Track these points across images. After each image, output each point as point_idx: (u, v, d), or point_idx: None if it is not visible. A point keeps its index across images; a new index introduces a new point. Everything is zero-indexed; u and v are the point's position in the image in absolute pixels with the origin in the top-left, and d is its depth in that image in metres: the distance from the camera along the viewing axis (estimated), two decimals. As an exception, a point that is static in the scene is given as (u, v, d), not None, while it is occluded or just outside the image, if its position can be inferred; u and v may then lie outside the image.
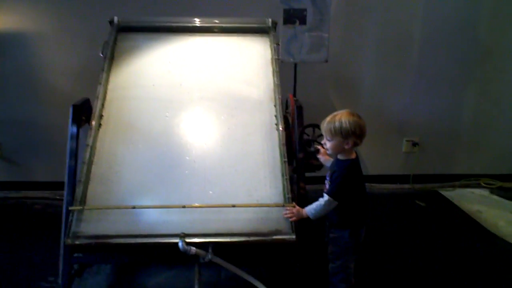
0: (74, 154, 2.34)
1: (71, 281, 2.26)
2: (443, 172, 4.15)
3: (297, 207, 2.15)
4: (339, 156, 2.08)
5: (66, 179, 2.29)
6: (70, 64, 3.59)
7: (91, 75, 3.38)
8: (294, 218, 2.11)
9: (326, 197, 2.02)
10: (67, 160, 2.33)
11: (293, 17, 3.09)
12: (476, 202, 3.75)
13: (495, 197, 3.89)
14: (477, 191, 4.01)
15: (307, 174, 2.51)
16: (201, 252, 2.00)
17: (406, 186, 4.06)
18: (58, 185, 3.52)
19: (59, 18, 3.49)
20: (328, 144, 2.05)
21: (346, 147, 2.00)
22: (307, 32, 3.12)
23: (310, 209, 2.08)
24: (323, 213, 2.07)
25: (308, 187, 2.48)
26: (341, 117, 1.97)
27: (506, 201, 3.78)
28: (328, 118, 2.03)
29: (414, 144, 4.02)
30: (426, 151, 4.05)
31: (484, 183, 4.10)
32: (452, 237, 3.10)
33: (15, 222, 3.26)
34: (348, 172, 2.02)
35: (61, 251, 2.23)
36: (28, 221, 3.28)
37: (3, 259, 2.73)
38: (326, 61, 3.18)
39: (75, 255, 2.22)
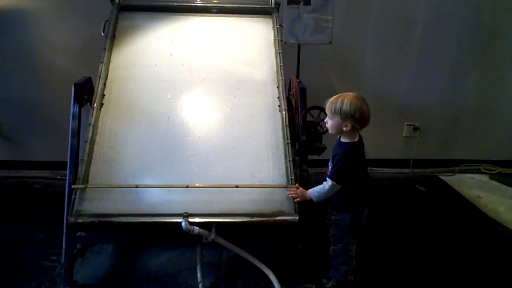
0: (77, 134, 2.33)
1: (74, 260, 2.25)
2: (443, 157, 4.16)
3: (301, 189, 2.16)
4: (342, 139, 2.10)
5: (68, 158, 2.28)
6: (70, 42, 3.55)
7: (91, 54, 3.36)
8: (298, 199, 2.13)
9: (329, 181, 2.05)
10: (69, 140, 2.32)
11: (298, -3, 3.05)
12: (476, 187, 3.76)
13: (494, 182, 3.90)
14: (477, 176, 4.02)
15: (310, 157, 2.51)
16: (204, 231, 2.01)
17: (406, 170, 4.07)
18: (58, 165, 3.56)
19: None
20: (328, 123, 2.08)
21: (344, 129, 2.01)
22: (311, 14, 3.08)
23: (314, 192, 2.11)
24: (326, 197, 2.10)
25: (310, 170, 2.48)
26: (344, 98, 1.98)
27: (506, 187, 3.80)
28: (333, 97, 2.04)
29: (415, 129, 4.01)
30: (426, 135, 4.05)
31: (484, 169, 4.11)
32: (452, 222, 3.12)
33: (15, 201, 3.26)
34: (349, 155, 2.03)
35: (64, 230, 2.23)
36: (28, 201, 3.27)
37: (4, 238, 2.73)
38: (330, 42, 3.15)
39: (78, 234, 2.23)
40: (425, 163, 4.11)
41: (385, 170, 4.04)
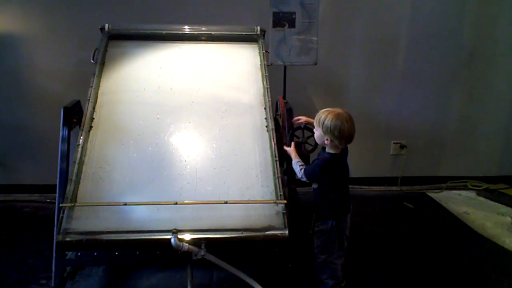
0: (66, 156, 2.35)
1: (64, 283, 2.26)
2: (430, 174, 4.21)
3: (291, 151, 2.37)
4: (326, 148, 2.22)
5: (58, 181, 2.28)
6: (59, 67, 3.58)
7: (80, 78, 3.43)
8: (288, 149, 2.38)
9: (302, 173, 2.24)
10: (59, 162, 2.33)
11: (283, 20, 3.12)
12: (463, 203, 3.81)
13: (481, 198, 3.95)
14: (464, 193, 4.07)
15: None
16: (193, 248, 1.99)
17: (394, 188, 4.11)
18: (48, 188, 3.55)
19: (49, 20, 3.48)
20: (315, 132, 2.23)
21: (326, 142, 2.14)
22: (296, 35, 3.15)
23: (295, 164, 2.30)
24: (295, 171, 2.29)
25: (299, 189, 2.51)
26: (328, 114, 2.12)
27: (493, 203, 3.85)
28: (322, 110, 2.17)
29: (402, 147, 4.07)
30: (413, 153, 4.10)
31: (471, 185, 4.16)
32: (440, 238, 3.14)
33: (5, 225, 3.24)
34: (325, 164, 2.18)
35: (54, 253, 2.22)
36: (18, 224, 3.26)
37: (-7, 262, 2.71)
38: (315, 63, 3.21)
39: (68, 256, 2.22)
40: (413, 181, 4.16)
41: (373, 188, 4.07)
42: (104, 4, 3.49)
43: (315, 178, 2.23)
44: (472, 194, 4.05)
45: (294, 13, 3.10)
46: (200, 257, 2.02)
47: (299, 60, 3.19)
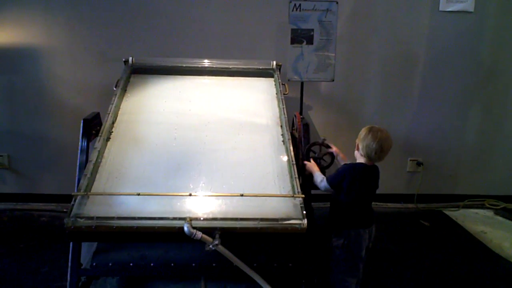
0: (84, 167, 2.36)
1: (78, 293, 2.27)
2: (447, 192, 4.17)
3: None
4: (357, 159, 2.35)
5: (76, 192, 2.31)
6: (80, 79, 3.64)
7: (100, 91, 3.49)
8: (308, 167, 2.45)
9: (324, 179, 2.35)
10: (77, 173, 2.37)
11: (301, 37, 3.16)
12: (480, 222, 3.76)
13: (499, 218, 3.90)
14: (481, 211, 4.02)
15: (313, 192, 2.54)
16: (207, 238, 1.93)
17: (411, 205, 4.08)
18: (65, 198, 3.57)
19: (70, 33, 3.55)
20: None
21: (356, 152, 2.32)
22: (314, 52, 3.18)
23: (316, 176, 2.40)
24: (317, 184, 2.40)
25: (314, 204, 2.51)
26: (366, 129, 2.28)
27: (510, 222, 3.79)
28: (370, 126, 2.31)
29: (419, 164, 4.04)
30: (430, 170, 4.07)
31: (489, 204, 4.11)
32: (457, 257, 3.11)
33: (21, 233, 3.27)
34: (349, 168, 2.29)
35: (69, 263, 2.25)
36: (34, 233, 3.29)
37: (10, 270, 2.74)
38: (333, 80, 3.23)
39: (83, 266, 2.24)
40: (429, 198, 4.12)
41: (389, 205, 4.05)
42: (125, 19, 3.55)
43: (337, 181, 2.28)
44: (489, 213, 3.99)
45: (312, 30, 3.14)
46: (213, 248, 1.93)
47: (316, 77, 3.22)
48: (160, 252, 2.41)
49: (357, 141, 2.29)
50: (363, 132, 2.27)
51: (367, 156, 2.24)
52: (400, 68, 3.82)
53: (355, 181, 2.25)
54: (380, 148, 2.20)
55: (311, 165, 2.45)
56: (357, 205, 2.28)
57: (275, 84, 3.01)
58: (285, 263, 2.38)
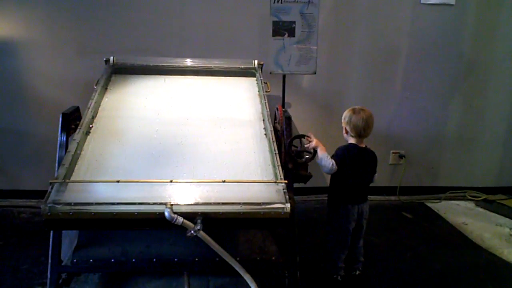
0: (64, 162, 2.34)
1: (59, 290, 2.24)
2: (429, 184, 4.21)
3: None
4: (348, 140, 2.57)
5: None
6: (59, 72, 3.58)
7: (81, 85, 3.44)
8: (313, 144, 2.49)
9: (332, 160, 2.46)
10: (56, 168, 2.33)
11: (282, 29, 3.14)
12: (461, 214, 3.81)
13: (480, 209, 3.95)
14: (463, 203, 4.07)
15: (296, 185, 2.54)
16: (188, 223, 1.90)
17: (393, 198, 4.11)
18: (45, 194, 3.53)
19: (49, 25, 3.49)
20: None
21: (344, 133, 2.56)
22: (296, 44, 3.16)
23: (322, 154, 2.47)
24: (321, 164, 2.47)
25: (297, 197, 2.51)
26: (350, 111, 2.51)
27: (491, 213, 3.84)
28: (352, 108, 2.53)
29: (401, 156, 4.07)
30: (412, 163, 4.10)
31: (470, 196, 4.16)
32: (438, 248, 3.14)
33: (1, 230, 3.22)
34: (341, 150, 2.51)
35: (49, 260, 2.22)
36: (14, 230, 3.24)
37: (-12, 268, 2.70)
38: (315, 73, 3.22)
39: (63, 263, 2.21)
40: (412, 190, 4.15)
41: (372, 197, 4.05)
42: (105, 12, 3.50)
43: (341, 162, 2.46)
44: (470, 204, 4.05)
45: (294, 22, 3.12)
46: (195, 234, 1.89)
47: (298, 69, 3.20)
48: (141, 248, 2.40)
49: (343, 124, 2.53)
50: (347, 114, 2.50)
51: (357, 135, 2.48)
52: (382, 60, 3.84)
53: (345, 159, 2.46)
54: (367, 125, 2.45)
55: (322, 148, 2.49)
56: (348, 181, 2.50)
57: (257, 83, 3.01)
58: (269, 256, 2.39)
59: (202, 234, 1.92)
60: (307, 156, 2.53)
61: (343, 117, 2.53)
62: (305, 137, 2.55)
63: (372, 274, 2.76)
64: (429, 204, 4.00)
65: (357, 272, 2.65)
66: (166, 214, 1.87)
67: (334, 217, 2.56)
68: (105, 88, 2.81)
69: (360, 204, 2.54)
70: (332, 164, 2.42)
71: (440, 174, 4.21)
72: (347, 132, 2.53)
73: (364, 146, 2.54)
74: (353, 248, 2.62)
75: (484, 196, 4.11)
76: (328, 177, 2.61)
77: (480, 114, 4.06)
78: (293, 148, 2.54)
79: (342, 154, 2.48)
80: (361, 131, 2.46)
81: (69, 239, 2.43)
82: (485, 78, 3.96)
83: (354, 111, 2.49)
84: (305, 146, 2.54)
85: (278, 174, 2.18)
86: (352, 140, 2.52)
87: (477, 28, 3.83)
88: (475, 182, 4.24)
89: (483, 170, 4.23)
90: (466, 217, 3.73)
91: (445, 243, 3.24)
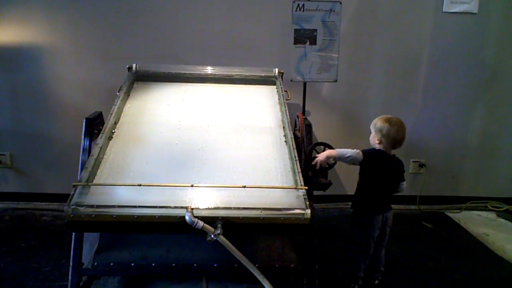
0: (86, 167, 2.37)
1: (79, 292, 2.26)
2: (450, 194, 4.16)
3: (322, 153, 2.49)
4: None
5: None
6: (83, 78, 3.64)
7: (104, 90, 3.49)
8: (321, 158, 2.44)
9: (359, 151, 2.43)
10: (79, 172, 2.35)
11: (304, 37, 3.15)
12: (482, 224, 3.75)
13: (502, 220, 3.89)
14: (484, 213, 4.01)
15: (315, 193, 2.53)
16: (209, 227, 1.91)
17: (413, 207, 4.06)
18: (68, 198, 3.57)
19: (73, 32, 3.56)
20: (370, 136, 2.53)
21: (376, 141, 2.46)
22: (317, 52, 3.17)
23: (341, 150, 2.44)
24: (347, 155, 2.41)
25: (316, 205, 2.51)
26: (381, 117, 2.46)
27: (513, 224, 3.78)
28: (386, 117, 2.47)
29: (421, 165, 4.03)
30: (432, 172, 4.06)
31: (491, 206, 4.10)
32: (459, 259, 3.09)
33: (23, 233, 3.28)
34: (371, 152, 2.45)
35: (70, 262, 2.25)
36: (36, 232, 3.29)
37: (11, 270, 2.74)
38: (336, 80, 3.22)
39: (84, 266, 2.24)
40: (432, 200, 4.11)
41: (392, 206, 4.02)
42: (128, 20, 3.56)
43: (369, 152, 2.44)
44: (492, 215, 3.98)
45: (316, 30, 3.13)
46: (215, 238, 1.91)
47: (319, 77, 3.21)
48: (161, 252, 2.41)
49: (377, 134, 2.44)
50: (383, 125, 2.41)
51: (392, 147, 2.45)
52: (403, 69, 3.82)
53: (373, 159, 2.42)
54: (403, 138, 2.45)
55: (331, 151, 2.46)
56: (374, 189, 2.48)
57: (277, 91, 3.02)
58: (288, 264, 2.39)
59: (222, 238, 1.93)
60: (327, 165, 2.51)
61: (377, 127, 2.44)
62: (325, 147, 2.53)
63: (391, 283, 2.73)
64: (449, 214, 3.95)
65: (376, 282, 2.62)
66: (187, 218, 1.89)
67: (358, 225, 2.51)
68: (127, 95, 2.86)
69: (385, 212, 2.53)
70: (357, 153, 2.38)
71: (461, 183, 4.16)
72: (380, 143, 2.45)
73: (392, 154, 2.51)
74: (374, 257, 2.58)
75: (506, 207, 4.05)
76: (348, 185, 2.61)
77: (503, 123, 4.00)
78: (313, 155, 2.53)
79: (371, 153, 2.43)
80: (397, 144, 2.44)
81: (90, 243, 2.45)
82: (508, 86, 3.91)
83: (390, 123, 2.41)
84: (317, 159, 2.49)
85: (298, 180, 2.18)
86: (381, 148, 2.47)
87: (500, 36, 3.79)
88: (497, 192, 4.17)
89: (505, 180, 4.16)
90: (487, 227, 3.67)
91: (466, 254, 3.19)
